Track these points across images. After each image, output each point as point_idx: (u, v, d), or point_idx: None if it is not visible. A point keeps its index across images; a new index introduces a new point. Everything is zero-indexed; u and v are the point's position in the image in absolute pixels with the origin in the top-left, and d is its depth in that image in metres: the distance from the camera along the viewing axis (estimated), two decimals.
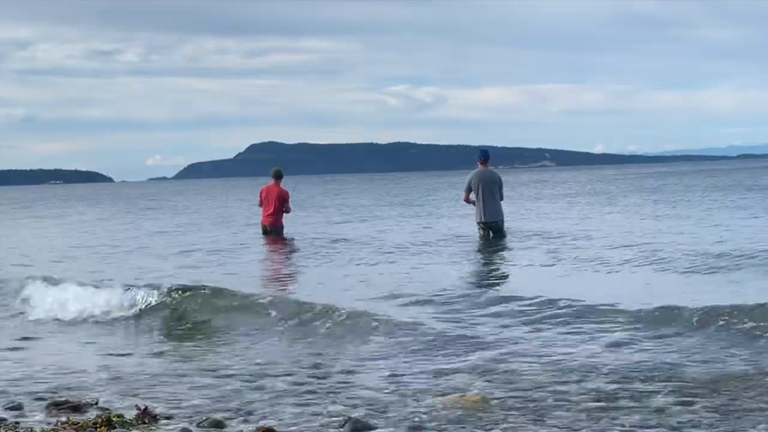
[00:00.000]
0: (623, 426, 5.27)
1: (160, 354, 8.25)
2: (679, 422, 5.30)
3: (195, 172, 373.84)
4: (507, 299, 9.71)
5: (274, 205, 18.10)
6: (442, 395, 6.03)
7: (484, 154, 16.49)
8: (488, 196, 16.00)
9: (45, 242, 22.16)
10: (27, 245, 21.13)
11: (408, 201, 40.93)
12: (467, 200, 16.36)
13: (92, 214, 38.63)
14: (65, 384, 6.81)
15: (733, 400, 5.71)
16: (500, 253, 14.96)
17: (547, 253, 14.36)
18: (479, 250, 15.61)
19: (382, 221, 25.48)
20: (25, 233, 26.36)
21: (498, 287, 11.05)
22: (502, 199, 16.32)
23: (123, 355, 8.22)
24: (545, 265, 13.00)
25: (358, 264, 14.23)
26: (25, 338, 9.33)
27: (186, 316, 10.21)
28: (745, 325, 7.78)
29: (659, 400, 5.74)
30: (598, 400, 5.81)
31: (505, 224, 16.64)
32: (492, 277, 12.44)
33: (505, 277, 12.36)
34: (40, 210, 47.43)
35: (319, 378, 6.79)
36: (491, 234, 16.16)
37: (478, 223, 16.28)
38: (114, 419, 5.51)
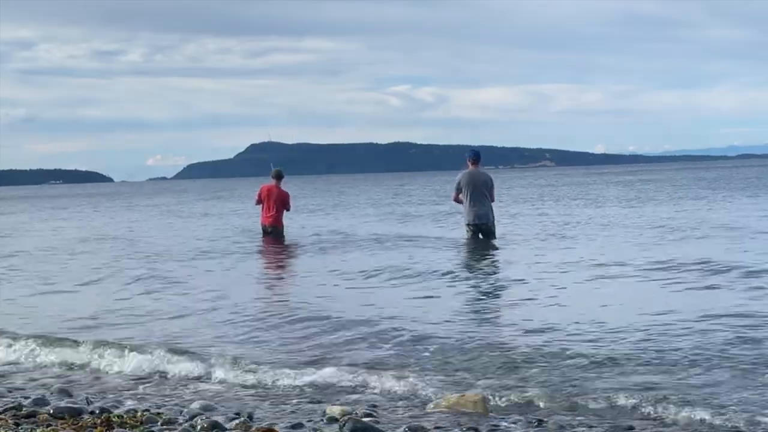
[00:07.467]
0: None
1: None
2: None
3: (195, 172, 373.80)
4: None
5: (274, 207, 18.06)
6: (442, 395, 6.01)
7: (475, 155, 15.99)
8: (477, 197, 15.62)
9: None
10: None
11: None
12: (457, 200, 15.97)
13: None
14: None
15: None
16: None
17: None
18: None
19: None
20: None
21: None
22: (493, 201, 15.96)
23: None
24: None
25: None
26: None
27: None
28: None
29: None
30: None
31: (497, 227, 16.24)
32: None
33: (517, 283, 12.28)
34: None
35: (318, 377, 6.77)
36: (480, 236, 15.80)
37: (467, 225, 15.92)
38: (113, 419, 5.49)
